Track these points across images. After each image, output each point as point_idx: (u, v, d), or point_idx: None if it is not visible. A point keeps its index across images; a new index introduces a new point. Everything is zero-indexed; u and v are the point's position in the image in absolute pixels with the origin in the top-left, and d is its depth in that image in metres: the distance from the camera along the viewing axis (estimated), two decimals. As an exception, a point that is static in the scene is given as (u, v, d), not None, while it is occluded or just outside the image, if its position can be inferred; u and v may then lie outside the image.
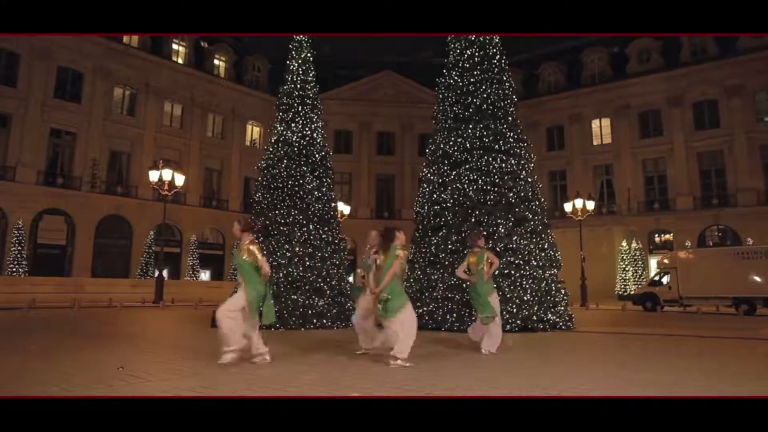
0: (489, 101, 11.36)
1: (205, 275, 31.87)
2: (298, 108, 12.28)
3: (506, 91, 11.69)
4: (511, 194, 10.78)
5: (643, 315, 18.35)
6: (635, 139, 32.61)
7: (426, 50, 39.54)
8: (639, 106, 32.56)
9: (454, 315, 10.03)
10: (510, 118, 11.53)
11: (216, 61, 34.66)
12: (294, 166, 11.76)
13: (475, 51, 11.66)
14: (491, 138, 11.10)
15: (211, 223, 32.70)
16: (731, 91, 29.43)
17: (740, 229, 28.20)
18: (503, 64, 11.92)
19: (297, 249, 11.03)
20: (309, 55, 12.86)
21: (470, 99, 11.39)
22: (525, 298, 10.02)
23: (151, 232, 27.90)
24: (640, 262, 30.24)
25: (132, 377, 4.75)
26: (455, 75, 11.79)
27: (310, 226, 11.39)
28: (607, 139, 33.89)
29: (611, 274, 30.60)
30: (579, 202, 23.75)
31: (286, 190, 11.57)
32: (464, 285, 10.18)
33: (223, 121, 34.46)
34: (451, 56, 12.03)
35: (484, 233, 10.27)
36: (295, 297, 10.68)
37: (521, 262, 10.29)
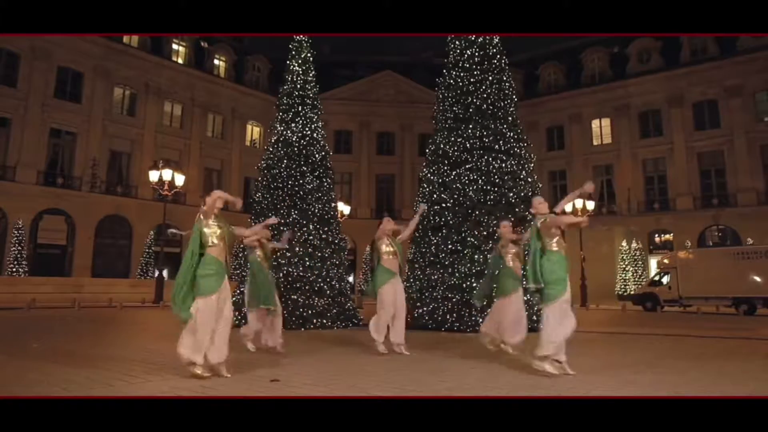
0: (489, 101, 11.35)
1: (205, 275, 31.79)
2: (298, 108, 12.28)
3: (506, 91, 11.68)
4: (511, 194, 10.78)
5: (643, 315, 18.35)
6: (635, 139, 32.57)
7: (426, 50, 39.47)
8: (639, 106, 32.52)
9: (454, 315, 10.03)
10: (510, 118, 11.52)
11: (216, 61, 34.63)
12: (294, 166, 11.76)
13: (475, 51, 11.66)
14: (491, 138, 11.09)
15: (211, 223, 32.66)
16: (731, 91, 29.39)
17: (740, 229, 28.16)
18: (503, 64, 11.92)
19: (297, 249, 11.03)
20: (309, 55, 12.87)
21: (470, 99, 11.38)
22: (525, 298, 10.00)
23: (151, 232, 27.88)
24: (640, 262, 30.22)
25: (132, 377, 4.76)
26: (455, 75, 11.78)
27: (310, 226, 11.39)
28: (607, 139, 33.85)
29: (611, 274, 30.57)
30: (579, 202, 23.72)
31: (286, 190, 11.57)
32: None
33: (223, 121, 34.43)
34: (451, 56, 12.02)
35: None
36: (295, 297, 10.68)
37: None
